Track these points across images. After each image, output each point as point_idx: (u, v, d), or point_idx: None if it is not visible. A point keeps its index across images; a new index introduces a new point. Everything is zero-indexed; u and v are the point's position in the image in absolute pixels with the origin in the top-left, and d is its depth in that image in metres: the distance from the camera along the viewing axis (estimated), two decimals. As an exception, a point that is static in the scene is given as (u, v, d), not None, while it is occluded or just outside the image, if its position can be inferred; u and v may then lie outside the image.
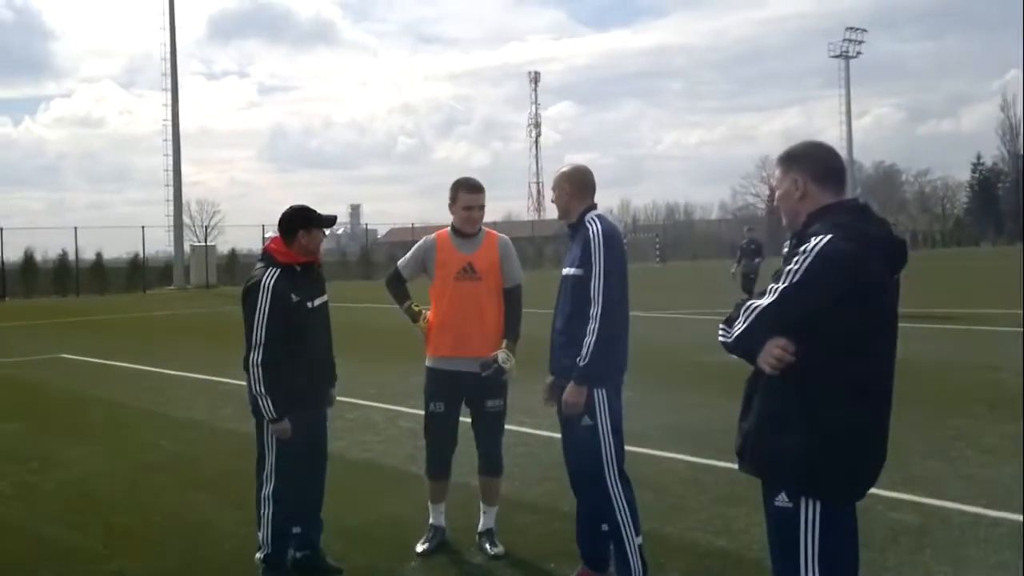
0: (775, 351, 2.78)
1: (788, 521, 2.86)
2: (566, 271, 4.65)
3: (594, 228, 4.54)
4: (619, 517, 4.52)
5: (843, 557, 2.88)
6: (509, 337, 5.25)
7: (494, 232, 5.43)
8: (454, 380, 5.24)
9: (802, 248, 2.79)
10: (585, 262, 4.50)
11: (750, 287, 20.38)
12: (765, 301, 2.82)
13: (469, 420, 5.39)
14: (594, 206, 4.72)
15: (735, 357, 3.01)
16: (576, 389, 4.46)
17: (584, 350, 4.41)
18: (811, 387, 2.79)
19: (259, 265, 4.97)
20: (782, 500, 2.87)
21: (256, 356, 4.79)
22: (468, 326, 5.18)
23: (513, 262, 5.37)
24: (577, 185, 4.71)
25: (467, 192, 5.26)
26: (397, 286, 5.50)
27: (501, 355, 5.10)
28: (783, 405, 2.84)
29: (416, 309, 5.39)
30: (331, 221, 5.10)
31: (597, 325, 4.41)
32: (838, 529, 2.84)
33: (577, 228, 4.66)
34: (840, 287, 2.73)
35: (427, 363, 5.37)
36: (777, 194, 3.09)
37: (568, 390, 4.48)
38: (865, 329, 2.79)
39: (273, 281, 4.82)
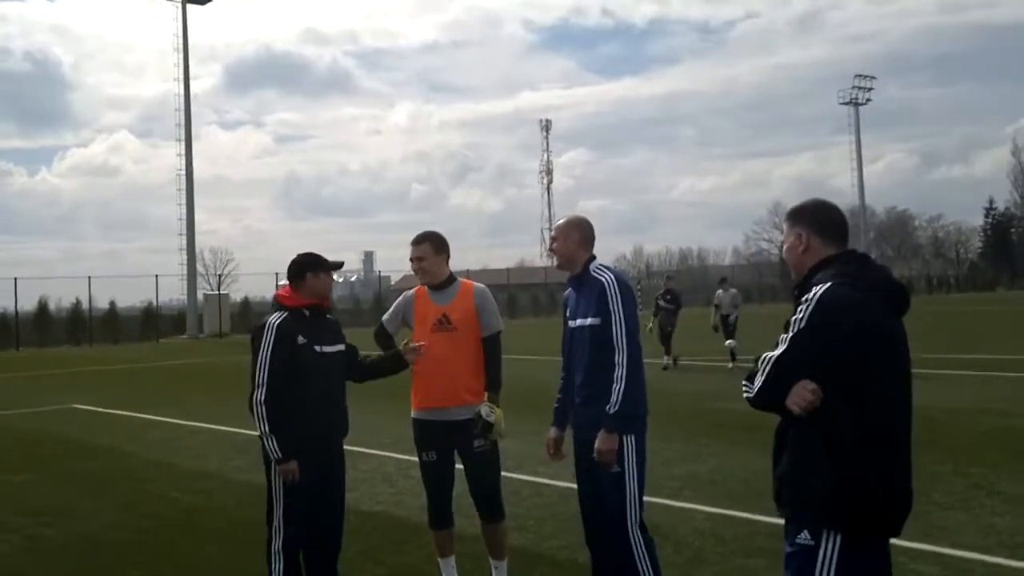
0: (806, 394, 2.87)
1: (807, 557, 2.92)
2: (580, 322, 4.64)
3: (607, 277, 4.57)
4: (640, 568, 4.44)
5: None
6: (490, 388, 5.22)
7: (470, 282, 5.46)
8: (440, 429, 5.21)
9: (804, 297, 2.97)
10: (603, 311, 4.51)
11: (667, 342, 19.80)
12: (777, 352, 2.98)
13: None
14: (595, 257, 4.77)
15: (749, 407, 3.12)
16: (608, 437, 4.41)
17: (614, 397, 4.39)
18: (832, 430, 2.88)
19: (270, 313, 5.04)
20: (804, 537, 2.94)
21: (260, 395, 4.82)
22: (448, 376, 5.18)
23: (490, 311, 5.35)
24: (585, 234, 4.77)
25: (411, 246, 5.33)
26: (383, 339, 5.58)
27: (484, 409, 5.08)
28: (809, 448, 2.93)
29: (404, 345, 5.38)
30: (338, 265, 5.22)
31: (624, 372, 4.41)
32: (855, 567, 2.88)
33: (583, 279, 4.68)
34: (842, 330, 2.88)
35: (412, 415, 5.36)
36: (784, 247, 3.31)
37: (600, 438, 4.42)
38: (875, 372, 2.91)
39: (279, 321, 4.91)
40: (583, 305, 4.64)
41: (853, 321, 2.88)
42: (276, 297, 5.16)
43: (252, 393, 4.84)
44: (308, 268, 5.04)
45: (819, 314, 2.89)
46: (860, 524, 2.89)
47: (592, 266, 4.68)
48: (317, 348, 4.95)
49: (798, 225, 3.21)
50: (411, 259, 5.33)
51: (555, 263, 4.89)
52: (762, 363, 3.00)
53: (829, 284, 2.94)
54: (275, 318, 4.93)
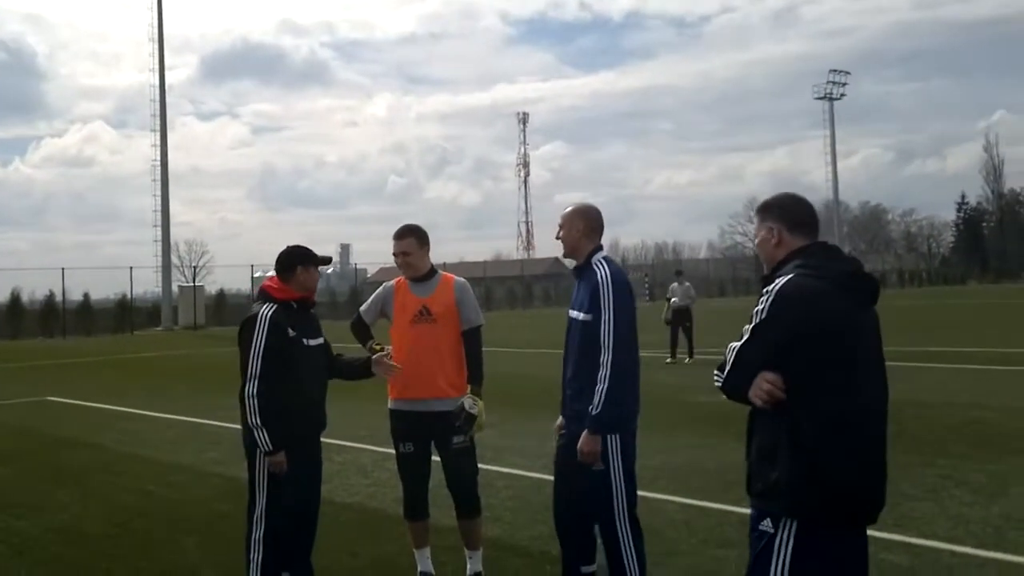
0: (763, 384, 2.91)
1: (766, 545, 2.96)
2: (574, 315, 4.64)
3: (603, 272, 4.53)
4: (626, 564, 4.47)
5: None
6: (472, 381, 5.27)
7: (451, 276, 5.51)
8: (418, 420, 5.25)
9: (766, 289, 3.01)
10: (594, 308, 4.47)
11: None
12: (740, 342, 3.02)
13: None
14: (601, 248, 4.73)
15: (723, 398, 3.17)
16: (590, 438, 4.41)
17: (596, 398, 4.36)
18: (795, 420, 2.91)
19: (256, 304, 5.02)
20: (766, 525, 2.99)
21: (252, 387, 4.80)
22: (427, 368, 5.21)
23: (470, 305, 5.39)
24: (591, 224, 4.72)
25: (394, 240, 5.38)
26: (359, 329, 5.59)
27: (467, 401, 5.13)
28: (773, 436, 2.97)
29: (376, 348, 5.37)
30: (327, 260, 5.22)
31: (608, 373, 4.36)
32: (811, 555, 2.90)
33: (584, 270, 4.65)
34: (800, 320, 2.91)
35: (389, 405, 5.39)
36: (756, 241, 3.33)
37: (583, 439, 4.42)
38: (838, 362, 2.92)
39: (271, 313, 4.88)
40: (580, 297, 4.63)
41: (814, 311, 2.91)
42: (264, 288, 5.09)
43: (244, 385, 4.83)
44: (298, 261, 5.03)
45: (779, 304, 2.94)
46: (816, 514, 2.91)
47: (594, 258, 4.64)
48: (305, 341, 4.96)
49: (768, 219, 3.24)
50: (395, 253, 5.34)
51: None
52: (728, 353, 3.05)
53: (791, 275, 2.99)
54: (267, 310, 4.89)
